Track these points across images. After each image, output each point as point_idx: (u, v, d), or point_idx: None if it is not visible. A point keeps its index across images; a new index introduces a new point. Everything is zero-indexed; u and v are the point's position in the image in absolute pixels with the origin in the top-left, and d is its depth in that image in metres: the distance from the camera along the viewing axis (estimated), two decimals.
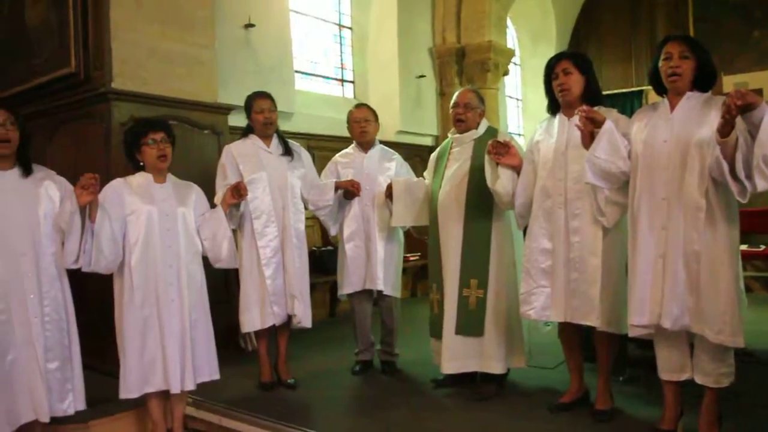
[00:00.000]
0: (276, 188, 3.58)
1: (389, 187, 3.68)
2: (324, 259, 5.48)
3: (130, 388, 2.96)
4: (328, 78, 7.21)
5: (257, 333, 3.71)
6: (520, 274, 3.20)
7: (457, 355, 3.32)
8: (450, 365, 3.33)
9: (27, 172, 2.83)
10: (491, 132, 3.48)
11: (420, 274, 6.87)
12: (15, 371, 2.68)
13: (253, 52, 5.65)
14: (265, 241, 3.54)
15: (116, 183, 3.04)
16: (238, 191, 3.25)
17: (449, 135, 3.63)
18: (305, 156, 3.84)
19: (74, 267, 2.84)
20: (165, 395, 3.10)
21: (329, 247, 5.63)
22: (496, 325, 3.30)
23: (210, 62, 4.62)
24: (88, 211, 2.79)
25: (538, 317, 3.04)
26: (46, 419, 2.75)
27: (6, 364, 2.65)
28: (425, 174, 3.76)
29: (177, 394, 3.04)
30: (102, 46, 4.07)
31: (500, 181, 3.08)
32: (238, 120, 4.70)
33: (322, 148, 5.91)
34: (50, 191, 2.85)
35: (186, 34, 4.44)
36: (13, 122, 2.76)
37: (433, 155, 3.72)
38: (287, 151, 3.69)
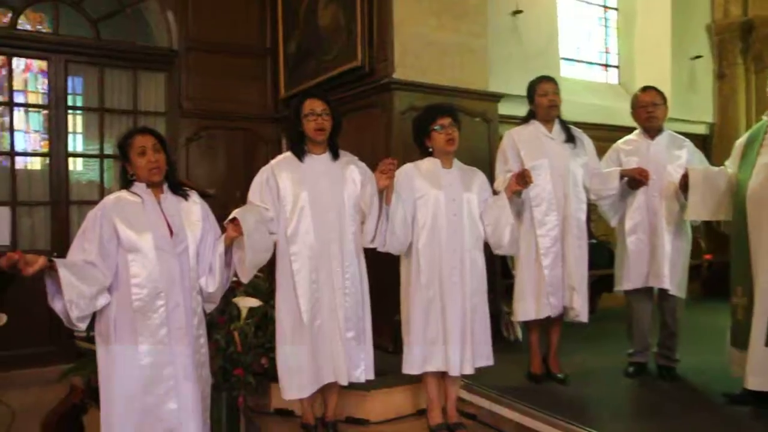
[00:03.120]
0: (558, 176, 3.47)
1: (684, 177, 3.35)
2: None
3: (412, 364, 3.10)
4: (591, 63, 6.88)
5: (529, 323, 3.64)
6: None
7: (766, 370, 2.91)
8: (756, 380, 2.93)
9: (335, 156, 3.05)
10: None
11: (690, 274, 6.22)
12: (320, 335, 2.93)
13: (520, 39, 5.62)
14: (545, 230, 3.45)
15: (407, 168, 3.16)
16: (524, 179, 3.16)
17: (763, 117, 3.18)
18: (588, 143, 3.67)
19: (370, 246, 3.02)
20: (441, 375, 3.18)
21: (592, 240, 5.36)
22: None
23: (481, 50, 4.68)
24: (384, 194, 2.95)
25: None
26: (344, 382, 2.97)
27: (315, 328, 2.92)
28: (727, 162, 3.34)
29: (453, 376, 3.12)
30: (385, 40, 4.35)
31: None
32: (504, 108, 4.70)
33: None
34: (353, 175, 3.03)
35: (460, 24, 4.55)
36: (329, 112, 2.99)
37: (740, 141, 3.29)
38: (570, 138, 3.55)
